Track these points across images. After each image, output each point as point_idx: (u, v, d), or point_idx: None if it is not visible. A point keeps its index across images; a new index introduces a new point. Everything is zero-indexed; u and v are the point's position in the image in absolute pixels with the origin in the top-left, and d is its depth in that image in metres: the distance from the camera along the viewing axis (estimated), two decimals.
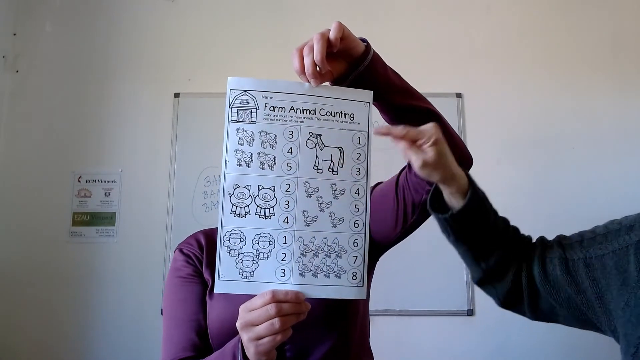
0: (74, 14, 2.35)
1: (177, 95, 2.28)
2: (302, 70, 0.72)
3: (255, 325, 0.68)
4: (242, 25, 2.34)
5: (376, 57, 0.77)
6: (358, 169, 0.76)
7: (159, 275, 2.12)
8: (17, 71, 2.30)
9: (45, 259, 2.16)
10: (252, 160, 0.74)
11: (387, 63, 0.81)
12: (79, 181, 2.23)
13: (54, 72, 2.31)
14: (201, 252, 0.93)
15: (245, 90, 0.75)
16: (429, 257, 2.11)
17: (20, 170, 2.23)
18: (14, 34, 2.33)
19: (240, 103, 0.74)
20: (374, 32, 2.38)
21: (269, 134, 0.74)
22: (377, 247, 0.94)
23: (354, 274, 0.74)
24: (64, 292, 2.14)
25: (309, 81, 0.73)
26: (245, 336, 0.69)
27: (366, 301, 0.97)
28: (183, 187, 2.20)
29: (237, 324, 0.70)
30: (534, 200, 2.17)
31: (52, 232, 2.18)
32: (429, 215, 0.88)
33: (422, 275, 2.12)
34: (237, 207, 0.73)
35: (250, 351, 0.70)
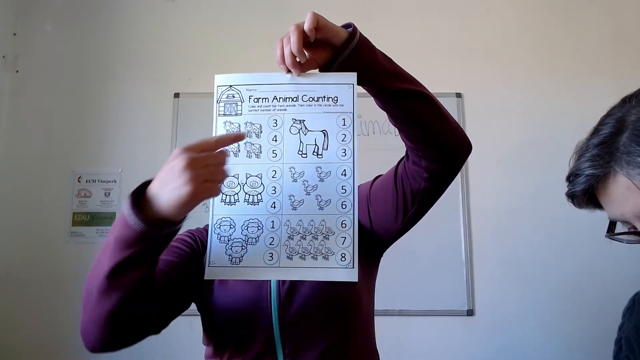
0: (74, 14, 2.36)
1: (177, 95, 2.28)
2: (282, 60, 0.74)
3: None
4: (242, 25, 2.34)
5: (362, 42, 0.77)
6: (344, 150, 0.77)
7: None
8: (17, 71, 2.31)
9: (45, 259, 2.16)
10: (239, 150, 0.77)
11: None
12: (79, 181, 2.22)
13: (54, 72, 2.31)
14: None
15: (230, 86, 0.78)
16: (429, 257, 2.11)
17: (20, 170, 2.23)
18: (14, 34, 2.33)
19: (226, 98, 0.78)
20: (374, 32, 2.38)
21: (254, 124, 0.77)
22: (380, 241, 0.94)
23: (343, 255, 0.74)
24: (64, 292, 2.13)
25: (290, 71, 0.75)
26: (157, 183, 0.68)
27: (370, 301, 0.96)
28: None
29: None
30: (534, 200, 2.17)
31: (52, 232, 2.18)
32: (429, 207, 0.89)
33: (422, 275, 2.12)
34: (226, 195, 0.76)
35: (162, 199, 0.67)
